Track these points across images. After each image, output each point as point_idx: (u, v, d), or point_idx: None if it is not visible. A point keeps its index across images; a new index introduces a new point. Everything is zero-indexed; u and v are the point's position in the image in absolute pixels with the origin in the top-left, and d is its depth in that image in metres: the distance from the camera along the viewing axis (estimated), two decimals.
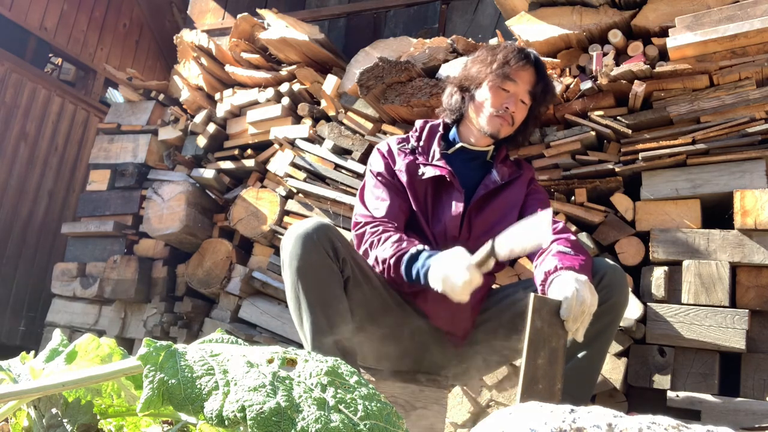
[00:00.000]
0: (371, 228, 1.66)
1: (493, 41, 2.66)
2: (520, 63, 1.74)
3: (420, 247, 1.58)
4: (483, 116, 1.78)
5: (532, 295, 1.38)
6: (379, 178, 1.78)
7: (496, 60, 1.76)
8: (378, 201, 1.73)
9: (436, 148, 1.81)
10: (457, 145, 1.84)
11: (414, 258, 1.55)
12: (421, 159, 1.80)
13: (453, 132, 1.88)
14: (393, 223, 1.68)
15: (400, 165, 1.78)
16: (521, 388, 1.30)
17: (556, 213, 2.33)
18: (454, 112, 1.85)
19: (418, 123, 1.91)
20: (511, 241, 1.42)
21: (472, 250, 1.71)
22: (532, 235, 1.39)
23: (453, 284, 1.45)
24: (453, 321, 1.66)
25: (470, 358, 1.74)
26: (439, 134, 1.85)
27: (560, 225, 1.70)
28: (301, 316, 1.48)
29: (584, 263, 1.51)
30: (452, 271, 1.45)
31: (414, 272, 1.54)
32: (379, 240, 1.62)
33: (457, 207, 1.73)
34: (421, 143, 1.84)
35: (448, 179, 1.75)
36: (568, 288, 1.39)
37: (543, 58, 2.44)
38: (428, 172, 1.75)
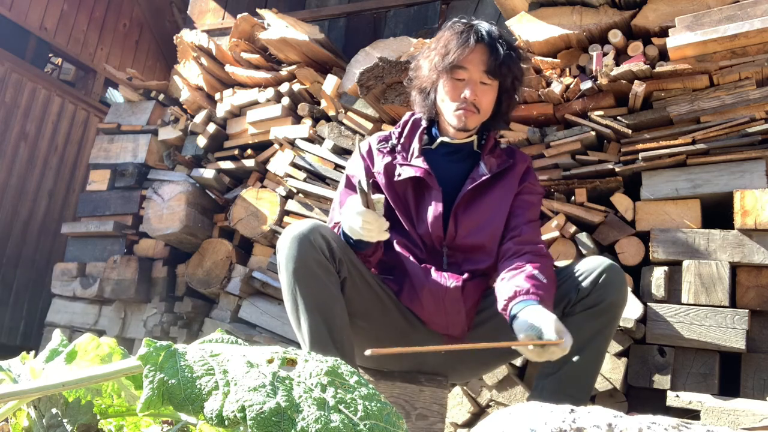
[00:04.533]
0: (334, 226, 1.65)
1: None
2: (461, 48, 1.60)
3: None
4: (448, 113, 1.68)
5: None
6: (352, 180, 1.72)
7: (438, 53, 1.64)
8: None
9: (415, 146, 1.72)
10: (438, 141, 1.75)
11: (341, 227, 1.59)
12: (400, 158, 1.72)
13: (435, 127, 1.79)
14: None
15: (379, 166, 1.71)
16: None
17: (555, 213, 2.34)
18: (425, 114, 1.76)
19: (405, 115, 1.82)
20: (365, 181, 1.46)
21: (462, 250, 1.69)
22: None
23: (357, 233, 1.50)
24: (449, 325, 1.65)
25: (469, 358, 1.73)
26: (421, 129, 1.75)
27: (534, 246, 1.62)
28: (299, 318, 1.48)
29: (547, 295, 1.48)
30: (351, 222, 1.49)
31: (343, 238, 1.57)
32: (335, 226, 1.64)
33: (436, 207, 1.65)
34: (402, 140, 1.75)
35: (425, 179, 1.67)
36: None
37: (543, 58, 2.45)
38: (404, 172, 1.68)
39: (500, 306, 1.51)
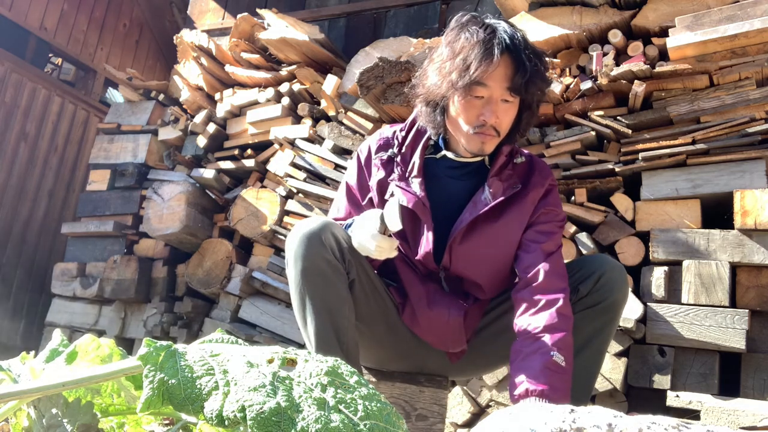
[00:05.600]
0: None
1: None
2: (484, 63, 1.37)
3: (351, 219, 1.55)
4: (460, 135, 1.48)
5: None
6: (353, 191, 1.63)
7: (455, 67, 1.40)
8: (348, 216, 1.63)
9: (416, 161, 1.53)
10: (441, 154, 1.56)
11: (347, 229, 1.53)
12: (397, 172, 1.54)
13: (440, 138, 1.58)
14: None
15: (374, 180, 1.57)
16: None
17: None
18: (433, 129, 1.55)
19: (411, 116, 1.62)
20: (392, 215, 1.41)
21: (458, 279, 1.57)
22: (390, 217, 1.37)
23: (368, 251, 1.45)
24: (449, 346, 1.62)
25: (471, 362, 1.72)
26: (426, 138, 1.57)
27: (552, 297, 1.39)
28: (305, 317, 1.46)
29: (561, 389, 1.32)
30: (363, 242, 1.45)
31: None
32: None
33: (427, 243, 1.50)
34: (404, 149, 1.57)
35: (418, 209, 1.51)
36: None
37: None
38: (397, 195, 1.51)
39: (511, 396, 1.35)
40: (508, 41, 1.39)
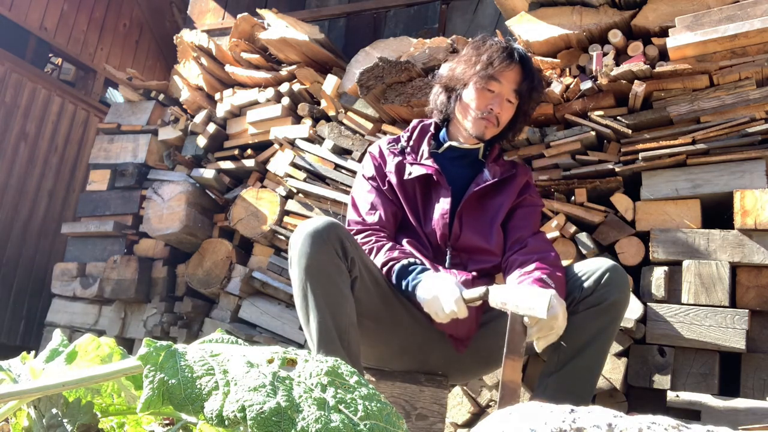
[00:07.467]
0: (363, 238, 1.68)
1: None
2: (504, 63, 1.72)
3: (412, 259, 1.61)
4: (468, 118, 1.78)
5: (509, 312, 1.40)
6: (371, 182, 1.80)
7: (480, 60, 1.74)
8: (370, 207, 1.74)
9: (425, 148, 1.81)
10: (446, 144, 1.83)
11: (405, 269, 1.58)
12: (409, 159, 1.80)
13: (443, 132, 1.88)
14: (384, 231, 1.70)
15: (390, 166, 1.79)
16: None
17: (555, 213, 2.34)
18: (442, 112, 1.86)
19: (413, 122, 1.91)
20: (505, 297, 1.41)
21: (465, 250, 1.73)
22: (529, 306, 1.36)
23: (439, 309, 1.49)
24: (458, 326, 1.65)
25: (473, 358, 1.73)
26: (429, 134, 1.85)
27: (542, 254, 1.64)
28: (308, 315, 1.48)
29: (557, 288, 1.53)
30: (442, 298, 1.48)
31: (404, 284, 1.58)
32: (371, 250, 1.64)
33: (444, 205, 1.73)
34: (411, 143, 1.84)
35: (434, 178, 1.75)
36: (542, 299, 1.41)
37: (543, 58, 2.45)
38: (415, 171, 1.75)
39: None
40: (522, 54, 1.78)
